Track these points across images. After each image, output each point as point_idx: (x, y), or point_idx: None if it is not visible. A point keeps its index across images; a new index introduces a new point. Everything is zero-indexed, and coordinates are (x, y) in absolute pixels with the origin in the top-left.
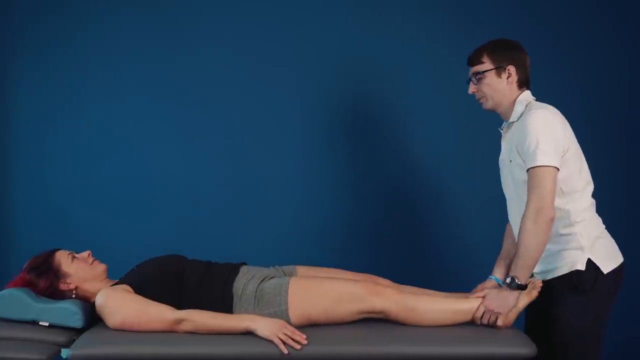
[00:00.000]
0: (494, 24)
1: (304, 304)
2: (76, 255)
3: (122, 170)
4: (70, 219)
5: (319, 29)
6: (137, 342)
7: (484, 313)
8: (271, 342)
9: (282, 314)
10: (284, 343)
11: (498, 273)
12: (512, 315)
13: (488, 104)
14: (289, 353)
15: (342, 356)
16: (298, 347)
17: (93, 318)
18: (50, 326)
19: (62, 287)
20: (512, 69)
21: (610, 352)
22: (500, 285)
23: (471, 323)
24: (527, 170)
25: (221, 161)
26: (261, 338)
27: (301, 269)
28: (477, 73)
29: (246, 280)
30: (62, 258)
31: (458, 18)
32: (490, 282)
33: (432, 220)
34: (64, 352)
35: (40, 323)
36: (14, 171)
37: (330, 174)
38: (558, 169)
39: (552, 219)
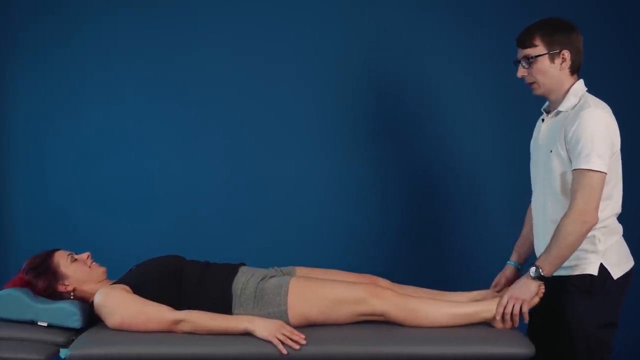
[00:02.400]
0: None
1: (303, 304)
2: (76, 256)
3: (121, 170)
4: (69, 219)
5: (317, 28)
6: (136, 342)
7: (508, 301)
8: (270, 342)
9: (281, 314)
10: (283, 343)
11: (516, 258)
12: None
13: (540, 90)
14: (288, 353)
15: (342, 356)
16: (297, 347)
17: (92, 318)
18: (49, 326)
19: (60, 288)
20: (567, 53)
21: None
22: (518, 269)
23: (470, 323)
24: (575, 170)
25: (220, 161)
26: (260, 338)
27: (300, 270)
28: (528, 57)
29: (245, 280)
30: (61, 259)
31: (468, 16)
32: (509, 269)
33: (431, 220)
34: (63, 353)
35: (38, 323)
36: (13, 171)
37: (328, 174)
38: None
39: (594, 226)
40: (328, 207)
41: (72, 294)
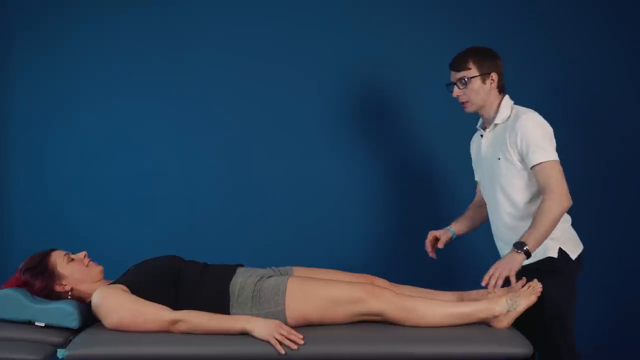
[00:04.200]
0: (492, 22)
1: (301, 304)
2: (72, 256)
3: (119, 170)
4: (67, 219)
5: (316, 28)
6: (133, 342)
7: (494, 271)
8: (268, 342)
9: (278, 314)
10: (281, 343)
11: (455, 227)
12: (511, 318)
13: (472, 108)
14: (285, 353)
15: (339, 356)
16: (295, 347)
17: (89, 318)
18: (46, 326)
19: (58, 288)
20: (495, 75)
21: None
22: (453, 236)
23: (468, 323)
24: (535, 166)
25: (218, 162)
26: (258, 338)
27: (298, 270)
28: (463, 79)
29: (243, 280)
30: (58, 259)
31: (460, 17)
32: (446, 232)
33: (429, 220)
34: (60, 353)
35: (36, 323)
36: (12, 171)
37: (327, 174)
38: None
39: (569, 206)
40: (326, 207)
41: (69, 294)
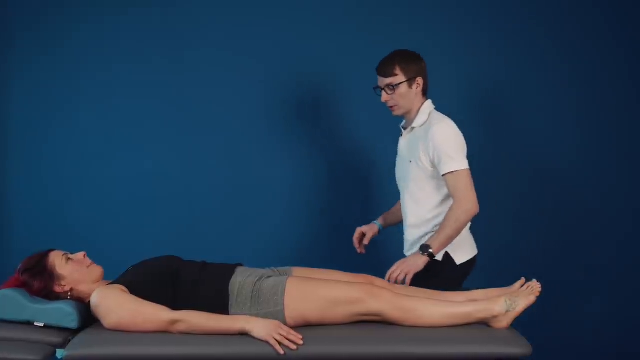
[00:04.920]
0: (492, 22)
1: (300, 304)
2: (71, 256)
3: (119, 170)
4: (67, 219)
5: (317, 28)
6: (133, 342)
7: (396, 269)
8: (267, 343)
9: (277, 314)
10: (280, 344)
11: (382, 221)
12: (510, 318)
13: (400, 111)
14: (285, 353)
15: (339, 357)
16: (294, 347)
17: (88, 318)
18: (45, 327)
19: (57, 289)
20: (420, 80)
21: None
22: (380, 230)
23: (467, 323)
24: (447, 174)
25: (218, 162)
26: (257, 339)
27: (297, 270)
28: (391, 85)
29: (242, 280)
30: (57, 259)
31: (457, 17)
32: (374, 226)
33: None
34: (59, 353)
35: (35, 324)
36: (11, 171)
37: (326, 174)
38: None
39: (476, 213)
40: (325, 208)
41: (68, 294)
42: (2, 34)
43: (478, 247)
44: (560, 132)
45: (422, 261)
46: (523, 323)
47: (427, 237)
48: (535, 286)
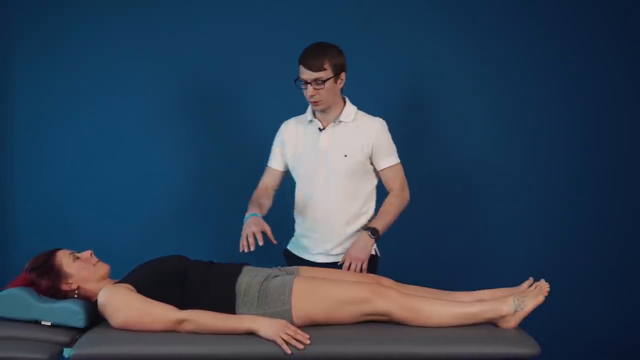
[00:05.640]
0: (492, 22)
1: (307, 304)
2: (78, 254)
3: (121, 170)
4: (68, 219)
5: (317, 28)
6: (140, 341)
7: (351, 263)
8: (274, 342)
9: (284, 314)
10: (287, 343)
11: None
12: (518, 318)
13: (323, 106)
14: (292, 353)
15: (346, 356)
16: (301, 347)
17: (95, 317)
18: (53, 326)
19: (64, 287)
20: (344, 75)
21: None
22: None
23: (475, 323)
24: (389, 167)
25: (219, 161)
26: (264, 338)
27: (304, 270)
28: (320, 79)
29: (249, 279)
30: (64, 258)
31: (458, 17)
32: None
33: (434, 219)
34: (67, 352)
35: (42, 323)
36: (13, 171)
37: None
38: None
39: (408, 203)
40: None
41: (76, 292)
42: (2, 34)
43: (481, 246)
44: (560, 132)
45: (371, 244)
46: (531, 323)
47: (356, 234)
48: (543, 286)
